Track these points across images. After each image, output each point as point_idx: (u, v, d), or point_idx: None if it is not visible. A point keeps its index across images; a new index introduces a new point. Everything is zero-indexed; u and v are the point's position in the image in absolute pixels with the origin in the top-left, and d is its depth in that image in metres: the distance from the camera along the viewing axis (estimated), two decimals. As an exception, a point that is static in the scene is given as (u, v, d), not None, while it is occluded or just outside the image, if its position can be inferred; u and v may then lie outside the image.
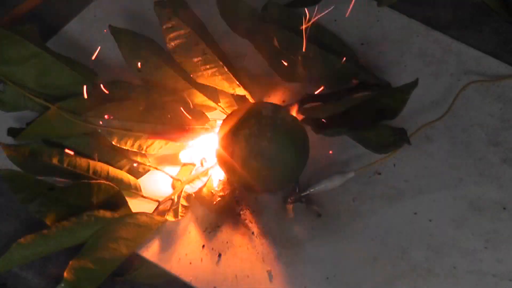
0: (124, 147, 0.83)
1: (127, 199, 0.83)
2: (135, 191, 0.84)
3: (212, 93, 0.89)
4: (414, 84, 0.86)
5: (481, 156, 0.88)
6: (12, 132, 0.87)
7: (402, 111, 0.86)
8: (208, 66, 0.88)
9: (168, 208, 0.84)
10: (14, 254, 0.77)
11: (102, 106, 0.83)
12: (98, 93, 0.85)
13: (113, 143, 0.82)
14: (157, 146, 0.84)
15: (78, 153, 0.84)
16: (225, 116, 0.86)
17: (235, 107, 0.89)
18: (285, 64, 0.92)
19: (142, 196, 0.85)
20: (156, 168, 0.86)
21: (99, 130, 0.82)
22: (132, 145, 0.83)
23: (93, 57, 0.89)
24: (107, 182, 0.82)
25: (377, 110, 0.87)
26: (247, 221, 0.84)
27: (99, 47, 0.89)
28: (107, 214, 0.80)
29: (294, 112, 0.87)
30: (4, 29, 0.87)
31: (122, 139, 0.83)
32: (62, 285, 0.76)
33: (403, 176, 0.86)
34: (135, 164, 0.86)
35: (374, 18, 1.01)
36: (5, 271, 0.79)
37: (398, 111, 0.86)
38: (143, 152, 0.84)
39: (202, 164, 0.87)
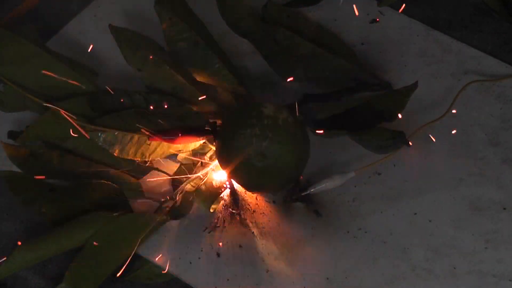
0: (127, 157, 0.83)
1: (128, 199, 0.83)
2: (136, 191, 0.84)
3: (212, 93, 0.89)
4: (413, 86, 0.86)
5: (481, 156, 0.88)
6: (12, 135, 0.87)
7: (401, 113, 0.86)
8: (208, 66, 0.88)
9: (169, 208, 0.84)
10: (16, 258, 0.77)
11: (100, 118, 0.83)
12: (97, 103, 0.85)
13: (115, 154, 0.82)
14: (160, 152, 0.84)
15: (78, 154, 0.84)
16: (225, 116, 0.86)
17: (236, 107, 0.89)
18: (285, 64, 0.92)
19: (143, 197, 0.85)
20: (157, 169, 0.86)
21: (100, 143, 0.82)
22: (135, 154, 0.83)
23: (89, 49, 0.88)
24: (108, 182, 0.82)
25: (377, 112, 0.87)
26: (247, 221, 0.84)
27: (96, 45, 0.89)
28: (109, 215, 0.80)
29: (293, 112, 0.87)
30: (4, 29, 0.87)
31: (123, 150, 0.82)
32: (63, 285, 0.76)
33: (403, 176, 0.86)
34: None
35: (374, 18, 1.01)
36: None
37: (398, 113, 0.86)
38: (146, 159, 0.84)
39: (202, 164, 0.87)
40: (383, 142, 0.83)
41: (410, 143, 0.84)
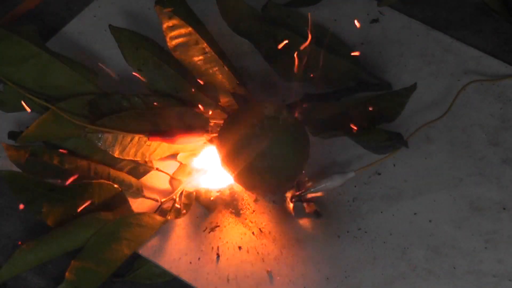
0: (127, 158, 0.83)
1: (129, 199, 0.83)
2: (137, 191, 0.84)
3: (213, 93, 0.89)
4: (412, 88, 0.86)
5: (481, 156, 0.88)
6: (12, 135, 0.87)
7: (400, 114, 0.86)
8: (208, 66, 0.88)
9: (170, 207, 0.84)
10: (17, 261, 0.77)
11: (100, 120, 0.83)
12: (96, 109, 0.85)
13: (115, 155, 0.82)
14: (160, 152, 0.84)
15: (78, 154, 0.84)
16: (225, 116, 0.86)
17: (236, 107, 0.89)
18: (285, 64, 0.92)
19: (143, 197, 0.85)
20: (158, 169, 0.86)
21: (99, 144, 0.82)
22: (135, 155, 0.83)
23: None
24: (108, 182, 0.82)
25: (376, 113, 0.87)
26: (247, 221, 0.84)
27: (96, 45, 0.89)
28: (109, 216, 0.80)
29: (293, 112, 0.87)
30: (4, 29, 0.87)
31: (123, 151, 0.82)
32: (63, 285, 0.76)
33: (403, 176, 0.86)
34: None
35: (374, 18, 1.01)
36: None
37: (397, 115, 0.86)
38: (147, 159, 0.84)
39: (202, 164, 0.87)
40: (381, 143, 0.83)
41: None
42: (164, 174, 0.86)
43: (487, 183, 0.86)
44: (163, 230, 0.83)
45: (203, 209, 0.84)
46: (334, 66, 0.92)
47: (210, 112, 0.88)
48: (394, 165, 0.87)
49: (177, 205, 0.84)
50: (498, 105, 0.92)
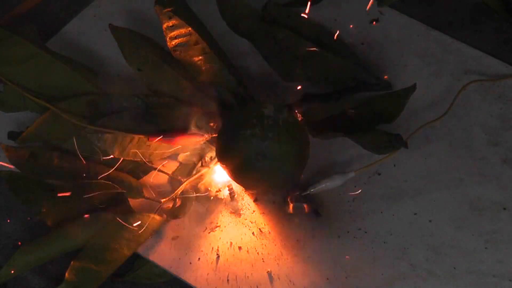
0: (127, 159, 0.83)
1: (129, 199, 0.83)
2: (137, 191, 0.84)
3: (212, 93, 0.89)
4: (412, 88, 0.86)
5: (481, 156, 0.88)
6: (12, 135, 0.87)
7: (400, 115, 0.86)
8: (208, 65, 0.88)
9: (169, 208, 0.84)
10: (17, 261, 0.77)
11: (99, 120, 0.83)
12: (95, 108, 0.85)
13: (115, 155, 0.82)
14: (160, 152, 0.84)
15: (78, 154, 0.84)
16: (225, 116, 0.86)
17: (236, 107, 0.89)
18: (285, 64, 0.92)
19: (143, 197, 0.85)
20: (158, 169, 0.86)
21: (99, 145, 0.82)
22: (135, 156, 0.83)
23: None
24: (108, 182, 0.82)
25: (376, 113, 0.87)
26: (247, 221, 0.84)
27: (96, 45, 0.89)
28: (109, 216, 0.80)
29: (294, 112, 0.87)
30: (4, 29, 0.87)
31: (123, 151, 0.82)
32: (63, 285, 0.77)
33: (403, 176, 0.86)
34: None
35: (374, 18, 1.01)
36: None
37: (397, 115, 0.86)
38: (147, 160, 0.84)
39: (202, 164, 0.87)
40: (380, 144, 0.83)
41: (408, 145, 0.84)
42: (164, 174, 0.86)
43: (487, 183, 0.86)
44: (163, 230, 0.83)
45: (203, 209, 0.84)
46: (334, 66, 0.92)
47: (210, 112, 0.88)
48: (394, 165, 0.87)
49: (177, 206, 0.84)
50: (498, 105, 0.92)
